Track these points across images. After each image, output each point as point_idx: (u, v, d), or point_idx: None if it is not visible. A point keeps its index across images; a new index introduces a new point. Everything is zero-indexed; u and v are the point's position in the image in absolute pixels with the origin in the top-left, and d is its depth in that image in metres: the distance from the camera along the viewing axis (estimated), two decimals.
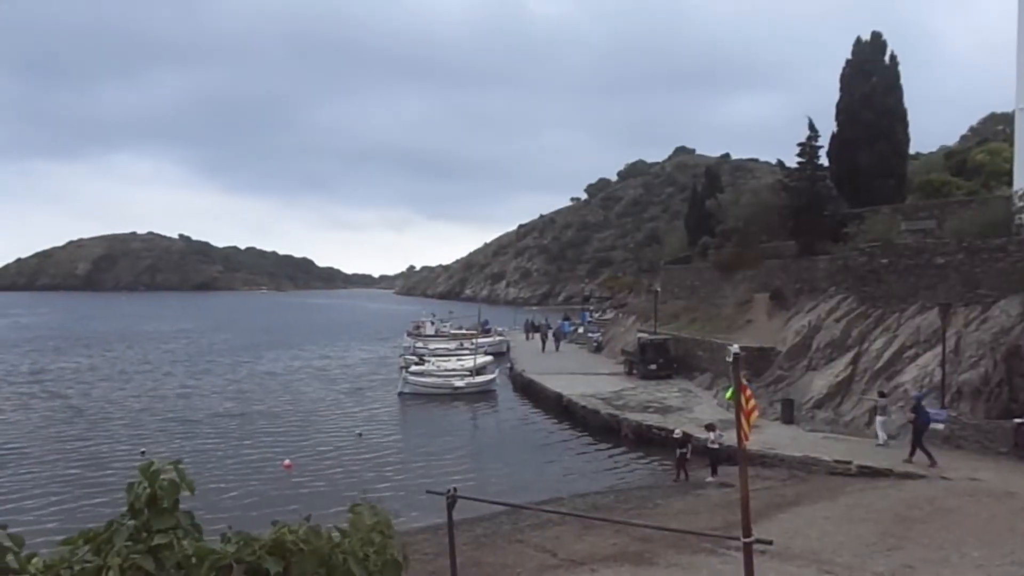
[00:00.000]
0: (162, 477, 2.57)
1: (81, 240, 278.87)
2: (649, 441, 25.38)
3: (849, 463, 19.71)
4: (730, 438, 21.45)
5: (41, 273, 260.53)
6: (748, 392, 6.19)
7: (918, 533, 13.68)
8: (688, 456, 21.18)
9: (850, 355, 25.75)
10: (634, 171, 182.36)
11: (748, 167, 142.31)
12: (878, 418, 21.65)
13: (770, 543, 7.30)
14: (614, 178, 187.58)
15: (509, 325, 70.29)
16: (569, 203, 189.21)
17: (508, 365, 45.03)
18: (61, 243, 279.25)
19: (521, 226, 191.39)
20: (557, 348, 51.41)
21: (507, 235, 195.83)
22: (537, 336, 60.15)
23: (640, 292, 69.29)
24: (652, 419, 26.90)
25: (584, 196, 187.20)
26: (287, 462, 23.55)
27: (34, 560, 2.48)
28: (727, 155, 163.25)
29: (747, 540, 6.15)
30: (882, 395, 22.38)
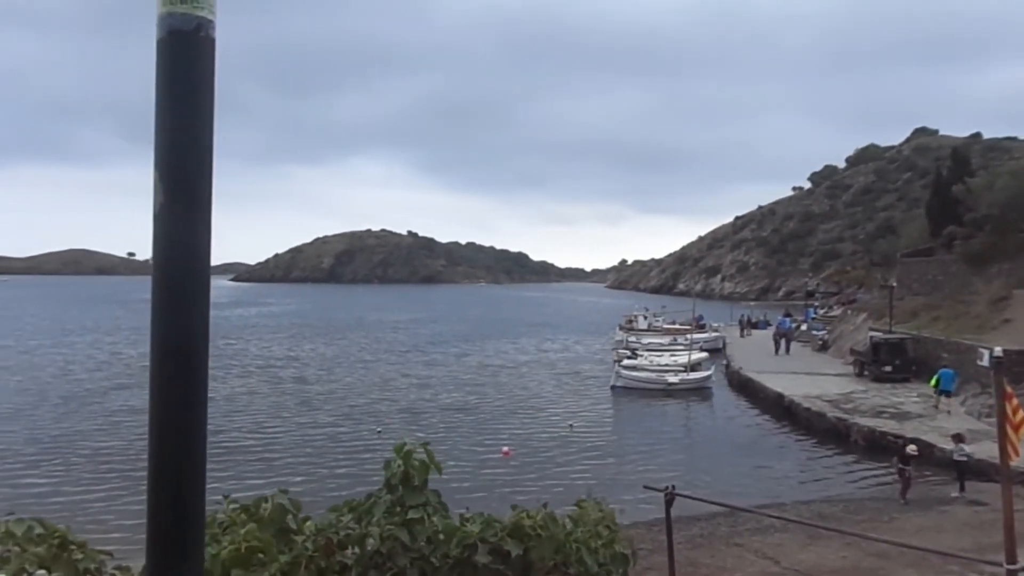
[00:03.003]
0: (414, 457, 2.80)
1: (326, 237, 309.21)
2: (883, 449, 23.37)
3: None
4: (982, 451, 19.25)
5: (293, 267, 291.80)
6: (1015, 401, 5.49)
7: None
8: (911, 475, 18.98)
9: None
10: (865, 156, 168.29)
11: (1004, 147, 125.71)
12: None
13: None
14: (842, 165, 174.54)
15: (725, 321, 68.00)
16: (791, 193, 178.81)
17: (724, 362, 43.53)
18: (309, 240, 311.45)
19: (738, 218, 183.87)
20: (788, 350, 45.36)
21: (723, 227, 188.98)
22: (754, 333, 57.60)
23: (872, 287, 64.03)
24: (887, 425, 24.75)
25: (807, 185, 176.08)
26: (505, 449, 24.49)
27: (307, 523, 2.81)
28: (977, 134, 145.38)
29: (1012, 567, 5.46)
30: None
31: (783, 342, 46.02)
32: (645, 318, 66.60)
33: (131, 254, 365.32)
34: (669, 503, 8.16)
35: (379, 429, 26.94)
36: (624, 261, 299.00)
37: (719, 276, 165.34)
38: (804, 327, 56.51)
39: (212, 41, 1.40)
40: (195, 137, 1.39)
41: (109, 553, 2.84)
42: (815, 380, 33.99)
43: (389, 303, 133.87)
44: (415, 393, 36.39)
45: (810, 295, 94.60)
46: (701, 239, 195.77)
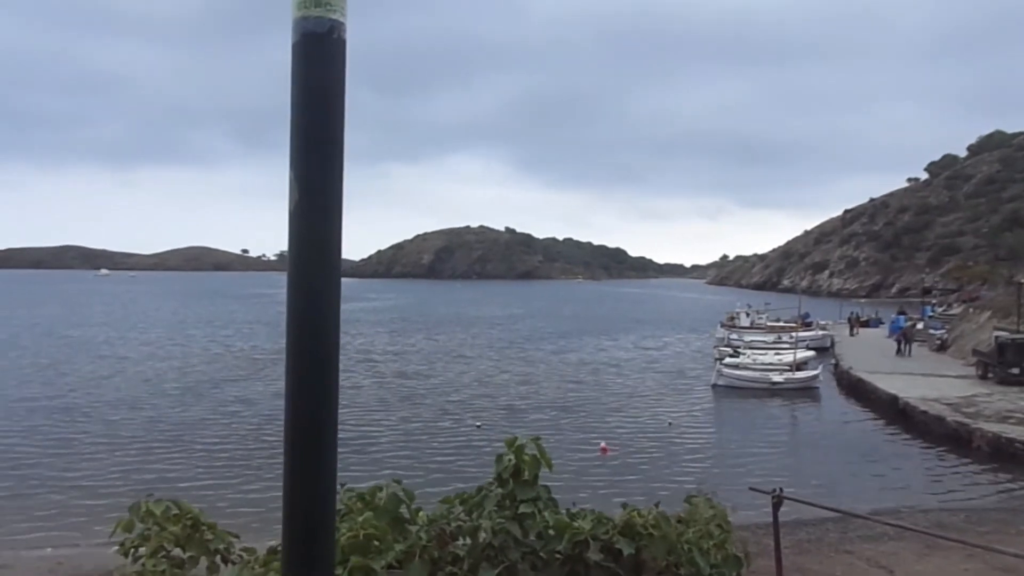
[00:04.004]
0: (525, 452, 2.82)
1: (425, 234, 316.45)
2: (1011, 457, 21.92)
3: None
4: None
5: (395, 263, 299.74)
6: None
7: None
8: None
9: None
10: (989, 144, 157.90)
11: None
12: None
13: None
14: (962, 153, 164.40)
15: (833, 319, 65.48)
16: (905, 184, 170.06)
17: (832, 361, 41.90)
18: (410, 236, 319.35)
19: (847, 211, 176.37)
20: (910, 351, 42.32)
21: (831, 221, 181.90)
22: (864, 331, 55.21)
23: (996, 283, 60.20)
24: (1015, 432, 23.16)
25: (924, 175, 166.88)
26: (603, 445, 24.35)
27: (420, 513, 2.88)
28: None
29: None
30: None
31: (904, 342, 43.37)
32: (748, 315, 65.02)
33: (245, 251, 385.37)
34: (776, 506, 7.86)
35: (479, 423, 27.34)
36: (725, 257, 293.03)
37: (827, 272, 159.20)
38: (920, 326, 53.64)
39: (343, 43, 1.44)
40: (328, 137, 1.43)
41: (236, 535, 2.99)
42: (933, 382, 32.23)
43: (487, 299, 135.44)
44: (514, 389, 36.65)
45: (927, 292, 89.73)
46: (807, 233, 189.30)
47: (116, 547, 2.95)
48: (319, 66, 1.42)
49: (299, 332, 1.43)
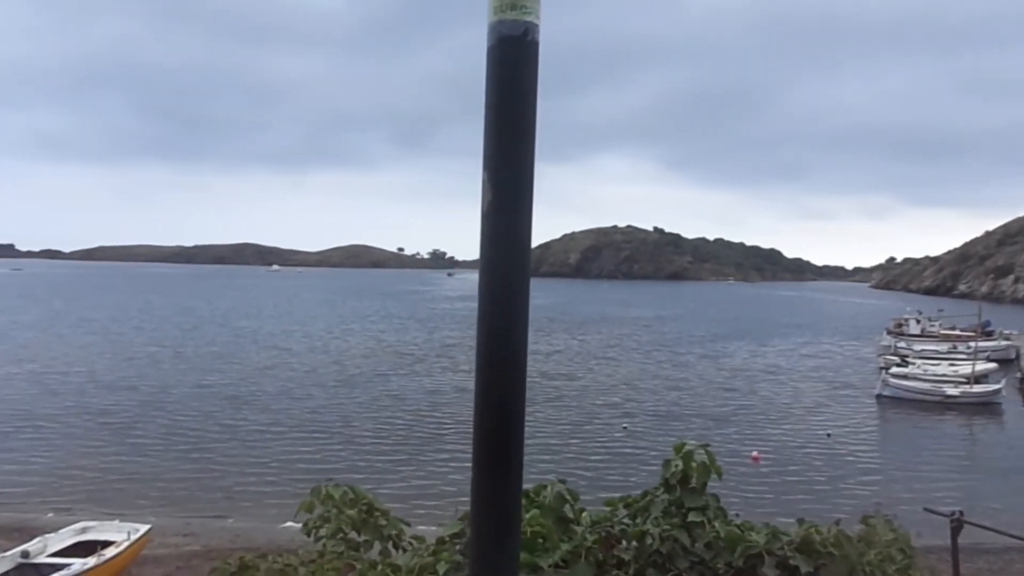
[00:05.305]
0: (694, 458, 2.74)
1: (573, 233, 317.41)
2: None
3: None
4: None
5: (543, 262, 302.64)
6: None
7: None
8: None
9: None
10: None
11: None
12: None
13: None
14: None
15: (1019, 328, 59.54)
16: None
17: (1017, 375, 38.19)
18: (557, 236, 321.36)
19: None
20: None
21: (1016, 221, 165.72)
22: None
23: None
24: None
25: None
26: (755, 454, 23.45)
27: (583, 514, 2.87)
28: None
29: None
30: None
31: None
32: (918, 322, 60.60)
33: (400, 249, 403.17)
34: (956, 530, 7.25)
35: (625, 424, 27.07)
36: (892, 259, 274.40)
37: (1011, 277, 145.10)
38: None
39: (536, 45, 1.45)
40: (520, 138, 1.44)
41: (407, 522, 3.11)
42: None
43: (635, 299, 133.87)
44: (662, 393, 35.98)
45: None
46: (989, 234, 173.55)
47: (291, 522, 3.14)
48: (513, 68, 1.44)
49: (489, 329, 1.46)
